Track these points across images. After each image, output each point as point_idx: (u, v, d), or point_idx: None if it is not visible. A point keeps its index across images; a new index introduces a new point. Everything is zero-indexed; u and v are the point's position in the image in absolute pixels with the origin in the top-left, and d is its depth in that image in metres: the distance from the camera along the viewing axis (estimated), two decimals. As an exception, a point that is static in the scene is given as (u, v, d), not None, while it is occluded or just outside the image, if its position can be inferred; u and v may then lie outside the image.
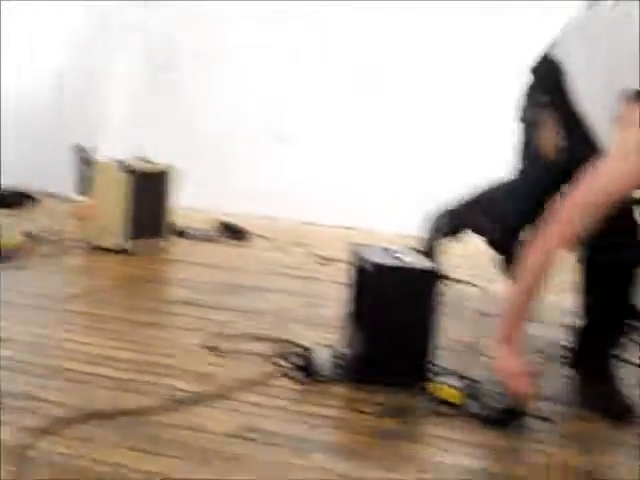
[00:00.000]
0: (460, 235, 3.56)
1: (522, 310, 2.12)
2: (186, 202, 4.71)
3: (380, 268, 2.28)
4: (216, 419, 1.96)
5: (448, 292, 2.95)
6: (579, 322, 2.44)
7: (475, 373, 2.32)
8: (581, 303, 2.41)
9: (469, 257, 3.73)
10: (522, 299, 2.11)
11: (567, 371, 2.50)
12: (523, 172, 2.52)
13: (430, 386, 2.21)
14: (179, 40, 5.97)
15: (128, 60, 6.00)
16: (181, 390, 2.11)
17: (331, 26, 5.71)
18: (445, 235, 3.62)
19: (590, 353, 2.43)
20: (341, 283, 2.76)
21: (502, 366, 2.13)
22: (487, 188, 3.29)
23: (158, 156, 4.22)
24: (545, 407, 2.23)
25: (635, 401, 2.31)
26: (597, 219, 2.01)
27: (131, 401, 1.99)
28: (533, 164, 2.45)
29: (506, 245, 2.67)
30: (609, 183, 1.98)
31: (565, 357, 2.56)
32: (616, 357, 2.44)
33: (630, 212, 2.26)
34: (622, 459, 2.02)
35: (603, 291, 2.35)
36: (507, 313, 2.15)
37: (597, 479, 1.88)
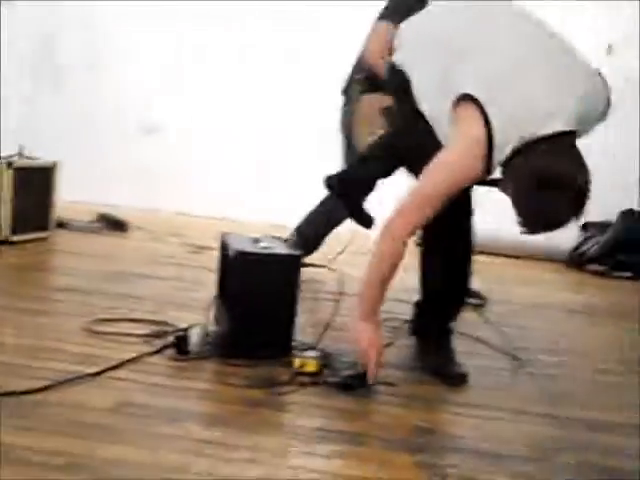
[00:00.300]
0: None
1: (377, 293, 2.13)
2: (69, 196, 4.55)
3: (242, 255, 2.26)
4: (95, 396, 1.88)
5: (307, 275, 2.97)
6: (418, 297, 2.50)
7: (330, 346, 2.35)
8: (420, 280, 2.46)
9: (327, 244, 3.76)
10: (376, 284, 2.12)
11: (410, 341, 2.56)
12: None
13: (292, 359, 2.20)
14: (59, 38, 5.73)
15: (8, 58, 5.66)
16: (63, 371, 2.00)
17: (195, 21, 5.60)
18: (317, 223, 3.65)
19: (427, 325, 2.50)
20: (211, 269, 2.72)
21: (360, 340, 2.14)
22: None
23: (41, 151, 4.04)
24: (391, 373, 2.28)
25: (468, 369, 2.37)
26: (438, 209, 2.04)
27: (15, 384, 1.87)
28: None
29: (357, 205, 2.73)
30: (450, 177, 2.01)
31: (408, 329, 2.62)
32: (450, 329, 2.51)
33: (467, 194, 2.30)
34: (460, 418, 2.08)
35: (437, 270, 2.40)
36: (364, 295, 2.16)
37: (433, 430, 1.93)
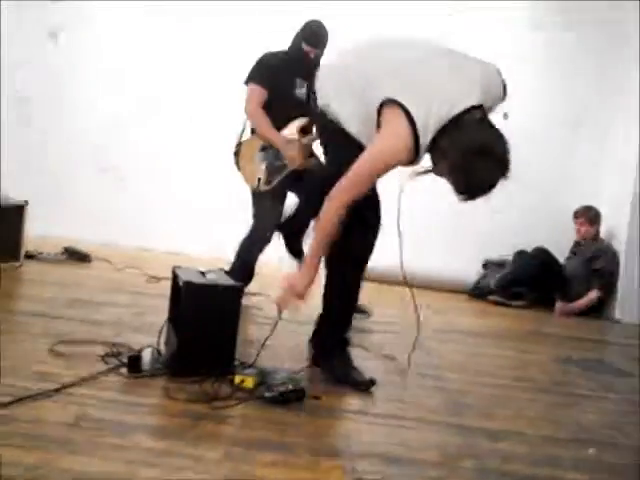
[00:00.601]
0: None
1: (320, 247, 2.24)
2: (37, 230, 4.42)
3: (190, 285, 2.24)
4: (55, 411, 1.81)
5: (246, 302, 2.95)
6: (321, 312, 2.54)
7: (266, 364, 2.32)
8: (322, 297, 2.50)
9: (263, 274, 3.73)
10: (320, 242, 2.23)
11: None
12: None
13: (232, 377, 2.17)
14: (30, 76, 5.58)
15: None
16: (25, 388, 1.92)
17: (151, 73, 5.55)
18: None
19: (326, 336, 2.51)
20: (164, 297, 2.67)
21: (288, 277, 2.27)
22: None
23: (12, 187, 3.93)
24: (319, 388, 2.26)
25: (371, 375, 2.40)
26: (367, 189, 2.19)
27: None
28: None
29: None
30: (382, 160, 2.14)
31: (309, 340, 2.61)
32: (347, 340, 2.52)
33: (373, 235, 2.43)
34: (376, 427, 2.08)
35: (335, 288, 2.45)
36: (312, 248, 2.27)
37: (354, 438, 1.92)
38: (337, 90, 2.31)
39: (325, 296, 2.48)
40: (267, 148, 3.62)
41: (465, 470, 1.81)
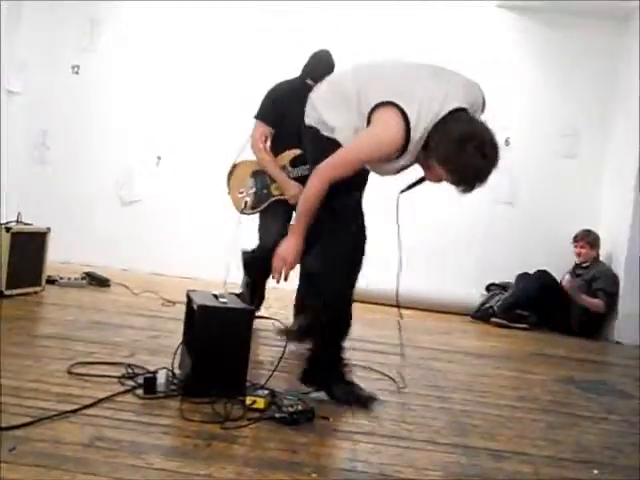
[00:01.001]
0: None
1: (306, 218, 2.30)
2: (59, 256, 4.45)
3: (204, 308, 2.23)
4: (72, 432, 1.80)
5: (258, 325, 2.94)
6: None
7: (278, 386, 2.31)
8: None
9: (274, 299, 3.73)
10: (306, 212, 2.29)
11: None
12: None
13: (244, 398, 2.15)
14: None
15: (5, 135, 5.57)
16: (44, 409, 1.92)
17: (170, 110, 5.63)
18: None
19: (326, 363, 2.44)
20: (179, 320, 2.66)
21: (282, 246, 2.33)
22: None
23: (36, 218, 3.97)
24: (327, 408, 2.24)
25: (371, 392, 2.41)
26: (352, 171, 2.23)
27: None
28: None
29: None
30: (372, 147, 2.19)
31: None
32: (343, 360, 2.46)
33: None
34: (384, 448, 2.05)
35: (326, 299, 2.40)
36: (299, 218, 2.32)
37: (361, 460, 1.89)
38: (331, 104, 2.34)
39: (314, 314, 2.48)
40: (258, 174, 3.65)
41: (470, 490, 1.79)
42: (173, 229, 5.53)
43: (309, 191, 2.28)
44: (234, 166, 3.77)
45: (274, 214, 3.62)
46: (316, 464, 1.82)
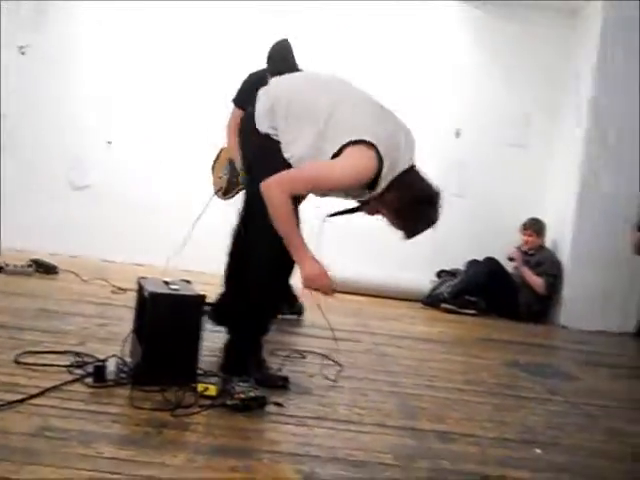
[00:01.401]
0: None
1: (293, 235, 2.17)
2: (6, 243, 4.33)
3: (155, 295, 2.20)
4: (19, 422, 1.76)
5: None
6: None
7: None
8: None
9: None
10: (288, 230, 2.15)
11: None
12: None
13: (196, 385, 2.14)
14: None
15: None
16: (-11, 399, 1.87)
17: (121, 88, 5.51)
18: None
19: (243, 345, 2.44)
20: (130, 307, 2.62)
21: (312, 270, 2.18)
22: None
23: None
24: (281, 394, 2.25)
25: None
26: (306, 192, 2.27)
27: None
28: None
29: None
30: (338, 176, 2.16)
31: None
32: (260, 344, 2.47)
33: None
34: (335, 432, 2.07)
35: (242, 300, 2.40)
36: (290, 243, 2.16)
37: (314, 444, 1.91)
38: (294, 114, 2.28)
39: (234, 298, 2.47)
40: (233, 162, 3.63)
41: (419, 470, 1.82)
42: (124, 215, 5.42)
43: (276, 210, 2.11)
44: (220, 150, 3.78)
45: None
46: (268, 449, 1.83)
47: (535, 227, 5.24)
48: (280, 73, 3.08)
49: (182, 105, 5.41)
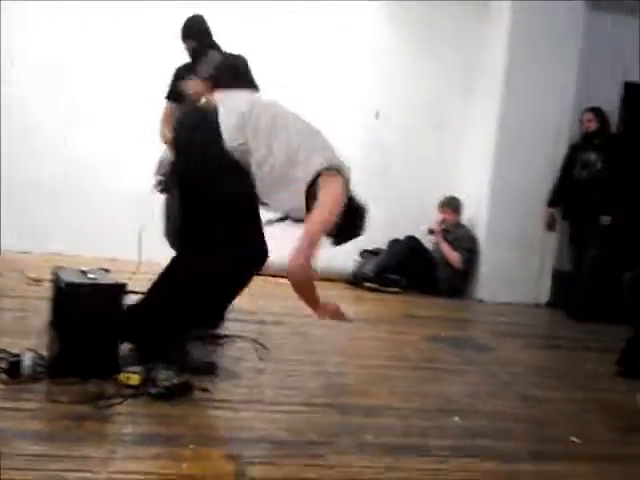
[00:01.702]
0: None
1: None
2: None
3: (71, 285, 2.14)
4: None
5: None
6: None
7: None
8: None
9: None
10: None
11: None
12: None
13: (118, 375, 2.10)
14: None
15: None
16: None
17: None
18: None
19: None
20: (46, 299, 2.53)
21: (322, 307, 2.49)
22: None
23: None
24: (207, 380, 2.23)
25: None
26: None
27: None
28: None
29: None
30: (337, 208, 2.30)
31: None
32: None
33: None
34: (263, 414, 2.07)
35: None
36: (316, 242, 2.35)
37: (241, 427, 1.91)
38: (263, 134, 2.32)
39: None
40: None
41: (343, 446, 1.86)
42: (38, 204, 5.19)
43: (317, 233, 2.32)
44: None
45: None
46: (195, 435, 1.81)
47: (452, 205, 5.39)
48: (204, 45, 3.19)
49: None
